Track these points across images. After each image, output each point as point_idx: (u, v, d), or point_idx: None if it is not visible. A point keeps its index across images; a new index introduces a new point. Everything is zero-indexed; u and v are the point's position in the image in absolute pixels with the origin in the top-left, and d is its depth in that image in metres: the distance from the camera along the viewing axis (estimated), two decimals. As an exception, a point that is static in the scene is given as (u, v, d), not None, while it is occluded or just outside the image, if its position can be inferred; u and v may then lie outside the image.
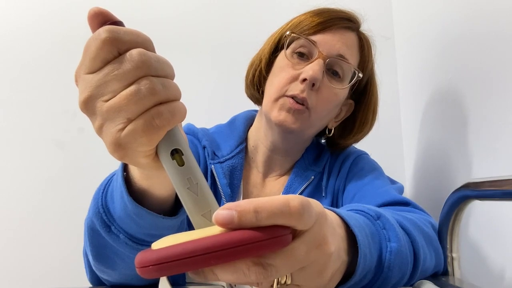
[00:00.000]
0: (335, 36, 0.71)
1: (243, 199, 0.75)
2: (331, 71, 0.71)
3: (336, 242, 0.35)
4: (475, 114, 0.74)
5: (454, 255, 0.55)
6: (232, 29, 1.19)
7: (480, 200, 0.49)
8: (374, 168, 0.76)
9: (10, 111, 1.13)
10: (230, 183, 0.73)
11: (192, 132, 0.79)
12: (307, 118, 0.69)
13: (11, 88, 1.13)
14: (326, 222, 0.34)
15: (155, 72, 0.31)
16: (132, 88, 0.30)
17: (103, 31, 0.30)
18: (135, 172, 0.42)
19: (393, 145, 1.14)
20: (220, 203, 0.73)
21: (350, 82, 0.72)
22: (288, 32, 0.72)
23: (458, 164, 0.80)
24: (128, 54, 0.30)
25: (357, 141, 0.80)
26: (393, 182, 0.76)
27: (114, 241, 0.47)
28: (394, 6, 1.18)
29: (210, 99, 1.16)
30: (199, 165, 0.71)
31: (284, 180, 0.77)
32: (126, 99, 0.30)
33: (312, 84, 0.68)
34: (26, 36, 1.15)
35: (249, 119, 0.82)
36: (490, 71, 0.69)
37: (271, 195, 0.76)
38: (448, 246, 0.55)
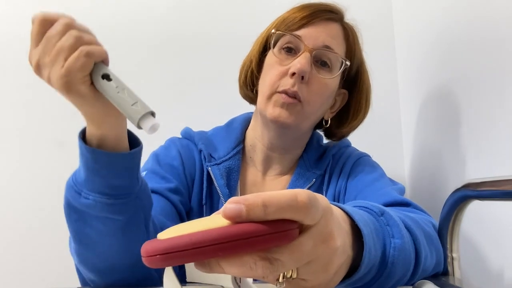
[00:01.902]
0: (318, 28, 0.72)
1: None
2: (320, 62, 0.72)
3: (342, 237, 0.35)
4: (475, 114, 0.74)
5: (454, 255, 0.55)
6: (231, 32, 1.18)
7: (480, 200, 0.49)
8: (374, 170, 0.76)
9: (10, 111, 1.13)
10: (228, 183, 0.74)
11: (188, 135, 0.80)
12: (301, 110, 0.71)
13: (11, 88, 1.13)
14: (332, 217, 0.34)
15: (78, 28, 0.46)
16: (64, 37, 0.45)
17: (36, 16, 0.45)
18: (89, 128, 0.51)
19: (393, 145, 1.14)
20: (218, 204, 0.74)
21: (339, 71, 0.73)
22: (273, 30, 0.73)
23: (458, 164, 0.80)
24: (55, 23, 0.45)
25: (353, 128, 0.81)
26: (394, 183, 0.76)
27: (87, 207, 0.51)
28: (394, 7, 1.18)
29: (210, 100, 1.16)
30: (195, 169, 0.76)
31: (286, 180, 0.77)
32: (60, 45, 0.44)
33: (301, 77, 0.69)
34: (27, 36, 1.15)
35: (246, 120, 0.83)
36: (491, 72, 0.69)
37: None
38: (448, 246, 0.55)
